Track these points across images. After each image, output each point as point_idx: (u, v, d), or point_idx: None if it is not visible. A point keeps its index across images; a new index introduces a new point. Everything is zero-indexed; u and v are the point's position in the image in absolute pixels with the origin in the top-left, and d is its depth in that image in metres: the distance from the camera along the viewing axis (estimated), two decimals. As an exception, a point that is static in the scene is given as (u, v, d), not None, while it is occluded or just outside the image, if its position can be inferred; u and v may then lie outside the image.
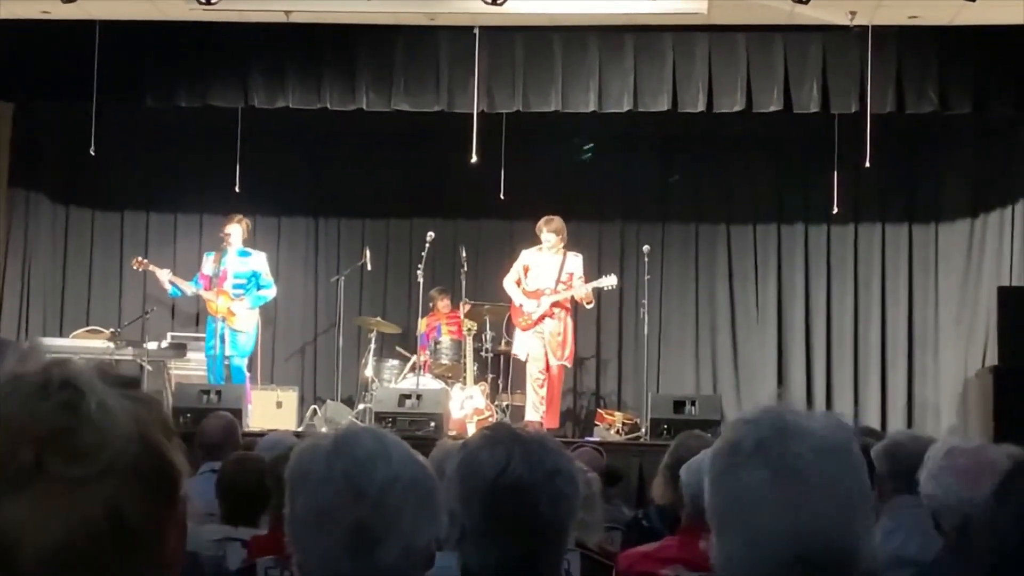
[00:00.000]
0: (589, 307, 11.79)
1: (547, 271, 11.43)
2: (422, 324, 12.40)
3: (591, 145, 13.19)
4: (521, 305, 11.45)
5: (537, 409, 11.37)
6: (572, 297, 11.45)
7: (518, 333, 11.57)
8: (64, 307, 13.57)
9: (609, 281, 11.65)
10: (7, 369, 1.10)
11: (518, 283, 11.49)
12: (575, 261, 11.52)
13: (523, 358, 11.49)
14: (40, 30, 11.18)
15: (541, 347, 11.39)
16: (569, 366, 11.75)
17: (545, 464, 2.45)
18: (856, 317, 13.21)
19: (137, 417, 1.08)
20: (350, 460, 2.06)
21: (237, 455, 5.24)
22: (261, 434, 7.82)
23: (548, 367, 11.42)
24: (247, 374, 11.57)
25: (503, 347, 12.45)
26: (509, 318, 11.90)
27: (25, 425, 1.04)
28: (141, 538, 1.06)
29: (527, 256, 11.53)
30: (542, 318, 11.41)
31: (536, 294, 11.43)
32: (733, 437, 1.82)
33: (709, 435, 6.55)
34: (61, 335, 12.75)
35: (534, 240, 13.00)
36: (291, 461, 2.13)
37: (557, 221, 11.38)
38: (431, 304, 12.50)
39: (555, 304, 11.40)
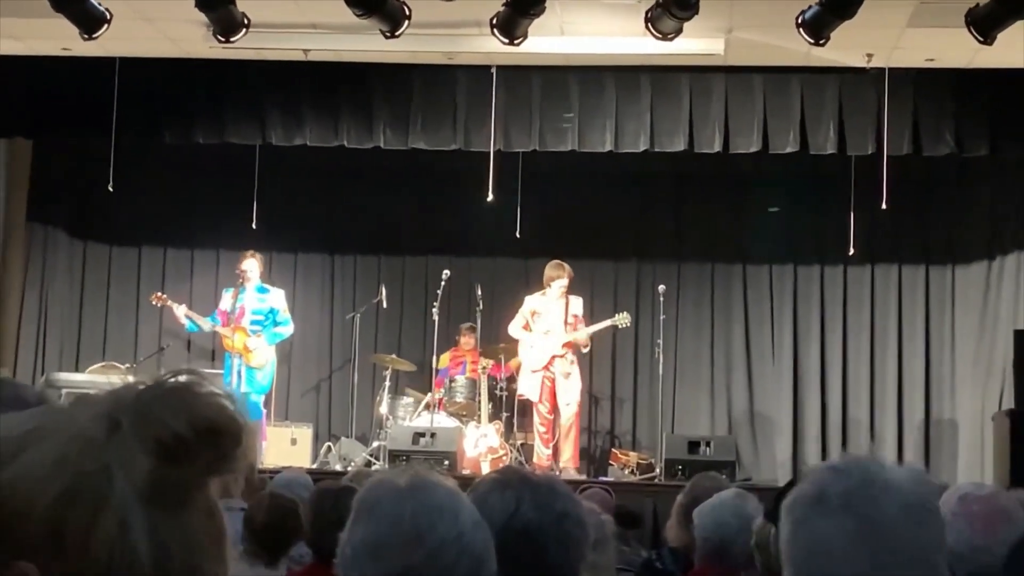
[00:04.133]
0: (585, 351, 11.94)
1: (554, 315, 11.51)
2: (444, 359, 12.39)
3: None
4: (532, 347, 11.46)
5: (544, 451, 11.40)
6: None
7: (526, 376, 11.60)
8: (81, 342, 13.60)
9: (623, 319, 11.70)
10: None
11: (526, 327, 11.52)
12: (577, 303, 11.66)
13: (535, 399, 11.49)
14: (60, 67, 11.26)
15: (549, 389, 11.43)
16: (576, 408, 11.72)
17: (555, 508, 2.46)
18: (872, 358, 13.16)
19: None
20: (421, 505, 2.09)
21: (271, 494, 5.18)
22: (276, 471, 7.80)
23: (555, 408, 11.46)
24: (263, 411, 11.58)
25: (517, 386, 12.47)
26: (508, 363, 11.97)
27: None
28: None
29: (532, 302, 11.61)
30: (553, 359, 11.44)
31: (548, 337, 11.48)
32: (820, 485, 1.82)
33: (724, 477, 6.53)
34: (77, 370, 12.78)
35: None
36: (364, 490, 2.17)
37: (567, 267, 11.49)
38: (456, 339, 12.48)
39: (565, 345, 11.44)
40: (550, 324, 11.49)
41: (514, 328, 11.63)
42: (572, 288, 11.66)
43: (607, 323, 11.71)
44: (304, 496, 5.06)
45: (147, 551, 1.00)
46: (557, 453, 11.51)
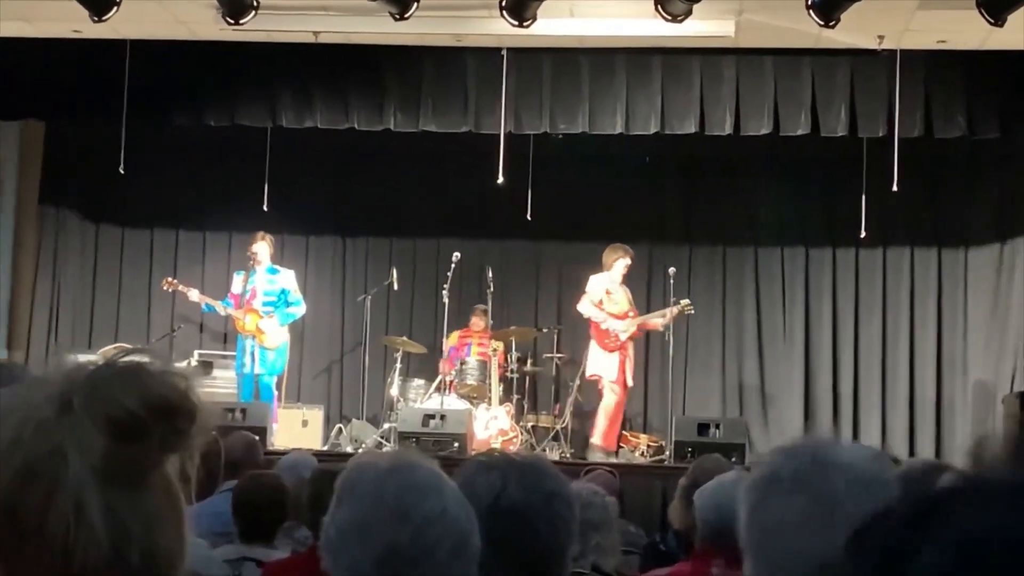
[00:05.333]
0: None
1: (622, 296, 11.65)
2: (453, 337, 12.40)
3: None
4: (609, 327, 11.48)
5: (601, 433, 11.51)
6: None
7: (598, 354, 11.58)
8: (93, 324, 13.65)
9: (685, 304, 11.85)
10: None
11: (600, 305, 11.53)
12: (627, 290, 11.78)
13: (612, 378, 11.49)
14: (71, 49, 11.27)
15: (621, 367, 11.52)
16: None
17: (541, 487, 2.46)
18: (884, 341, 13.14)
19: None
20: (403, 483, 2.10)
21: (252, 473, 5.26)
22: (284, 453, 7.83)
23: (625, 386, 11.58)
24: (275, 392, 11.62)
25: (529, 368, 12.47)
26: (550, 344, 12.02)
27: None
28: None
29: (603, 281, 11.64)
30: (630, 338, 11.57)
31: (621, 316, 11.53)
32: (772, 467, 1.83)
33: (728, 459, 6.52)
34: (90, 351, 12.82)
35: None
36: (346, 471, 2.18)
37: (630, 249, 11.66)
38: (469, 319, 12.48)
39: (640, 326, 11.73)
40: (621, 305, 11.58)
41: (586, 307, 11.61)
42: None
43: (674, 310, 11.81)
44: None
45: (104, 529, 1.00)
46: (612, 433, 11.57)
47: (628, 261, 11.64)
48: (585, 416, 12.69)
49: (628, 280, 11.88)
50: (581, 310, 11.66)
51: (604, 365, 11.56)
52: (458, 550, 2.09)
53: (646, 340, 13.31)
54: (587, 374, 11.73)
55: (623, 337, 11.56)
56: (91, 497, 1.00)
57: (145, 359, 1.06)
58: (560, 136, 11.52)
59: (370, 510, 2.08)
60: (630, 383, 11.74)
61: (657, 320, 11.92)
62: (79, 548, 1.00)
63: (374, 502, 2.08)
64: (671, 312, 11.82)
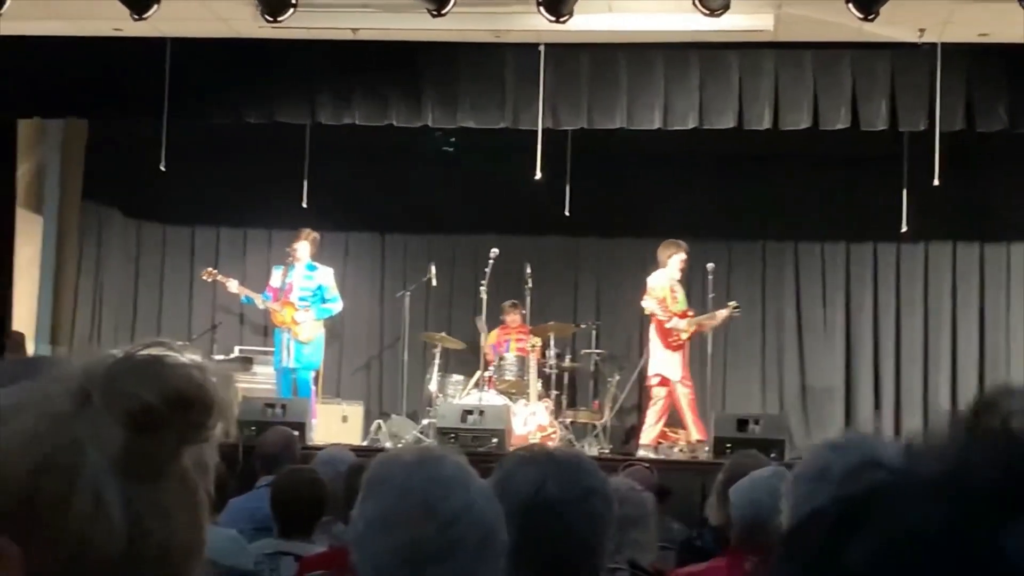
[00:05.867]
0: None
1: (682, 294, 11.71)
2: (492, 336, 12.40)
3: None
4: (674, 325, 11.50)
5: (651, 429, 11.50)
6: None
7: (664, 354, 11.57)
8: (136, 320, 13.75)
9: (733, 306, 11.86)
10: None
11: (663, 303, 11.52)
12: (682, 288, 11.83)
13: (677, 377, 11.50)
14: (112, 47, 11.36)
15: (684, 366, 11.58)
16: None
17: (580, 484, 2.46)
18: (926, 337, 13.05)
19: None
20: (430, 478, 2.10)
21: (290, 468, 5.29)
22: (322, 448, 7.86)
23: (685, 382, 11.62)
24: (312, 388, 11.68)
25: (567, 364, 12.47)
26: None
27: None
28: None
29: (665, 278, 11.63)
30: (689, 337, 11.61)
31: (683, 315, 11.57)
32: (819, 462, 1.82)
33: (767, 456, 6.49)
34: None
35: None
36: (372, 466, 2.18)
37: (685, 244, 11.65)
38: (501, 318, 12.50)
39: (699, 324, 11.71)
40: (682, 303, 11.65)
41: (651, 304, 11.58)
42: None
43: (725, 311, 11.80)
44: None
45: (122, 522, 1.01)
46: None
47: (683, 256, 11.61)
48: (624, 412, 12.68)
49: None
50: (646, 307, 11.64)
51: (669, 364, 11.54)
52: (484, 545, 2.09)
53: (685, 336, 13.29)
54: (649, 373, 11.69)
55: (684, 336, 11.55)
56: (110, 491, 1.01)
57: (163, 351, 1.07)
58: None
59: (396, 504, 2.09)
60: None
61: (707, 322, 11.88)
62: (96, 540, 1.00)
63: (400, 496, 2.08)
64: (720, 315, 11.78)
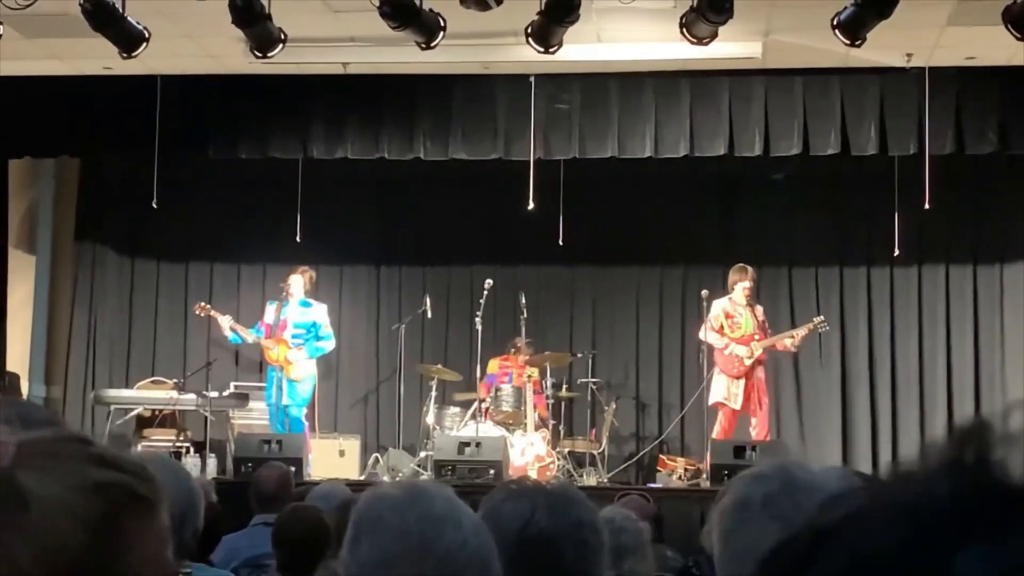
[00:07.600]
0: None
1: (746, 319, 11.54)
2: (493, 364, 12.36)
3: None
4: (732, 352, 11.45)
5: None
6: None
7: (721, 381, 11.51)
8: (130, 358, 13.72)
9: (819, 321, 11.79)
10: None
11: (720, 331, 11.49)
12: (760, 309, 11.73)
13: (737, 406, 11.45)
14: (104, 85, 11.38)
15: (747, 394, 11.46)
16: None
17: (570, 515, 2.45)
18: (921, 359, 13.04)
19: None
20: (423, 516, 2.08)
21: (293, 506, 5.25)
22: (318, 483, 7.82)
23: (751, 411, 11.50)
24: (305, 423, 11.66)
25: (564, 393, 12.45)
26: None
27: None
28: None
29: (724, 305, 11.56)
30: (755, 363, 11.47)
31: (745, 340, 11.48)
32: (741, 492, 1.82)
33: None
34: (127, 385, 12.90)
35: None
36: (360, 505, 2.15)
37: (750, 269, 11.56)
38: (511, 349, 12.41)
39: (767, 349, 11.61)
40: (745, 328, 11.51)
41: (705, 333, 11.55)
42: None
43: (807, 328, 11.74)
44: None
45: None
46: None
47: (747, 284, 11.52)
48: (622, 440, 12.65)
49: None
50: (702, 337, 11.60)
51: (729, 392, 11.48)
52: None
53: (681, 362, 13.27)
54: (710, 402, 11.62)
55: (747, 362, 11.48)
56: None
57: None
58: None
59: (392, 546, 2.07)
60: (762, 408, 11.61)
61: (787, 341, 11.78)
62: None
63: (396, 539, 2.06)
64: (801, 332, 11.74)
